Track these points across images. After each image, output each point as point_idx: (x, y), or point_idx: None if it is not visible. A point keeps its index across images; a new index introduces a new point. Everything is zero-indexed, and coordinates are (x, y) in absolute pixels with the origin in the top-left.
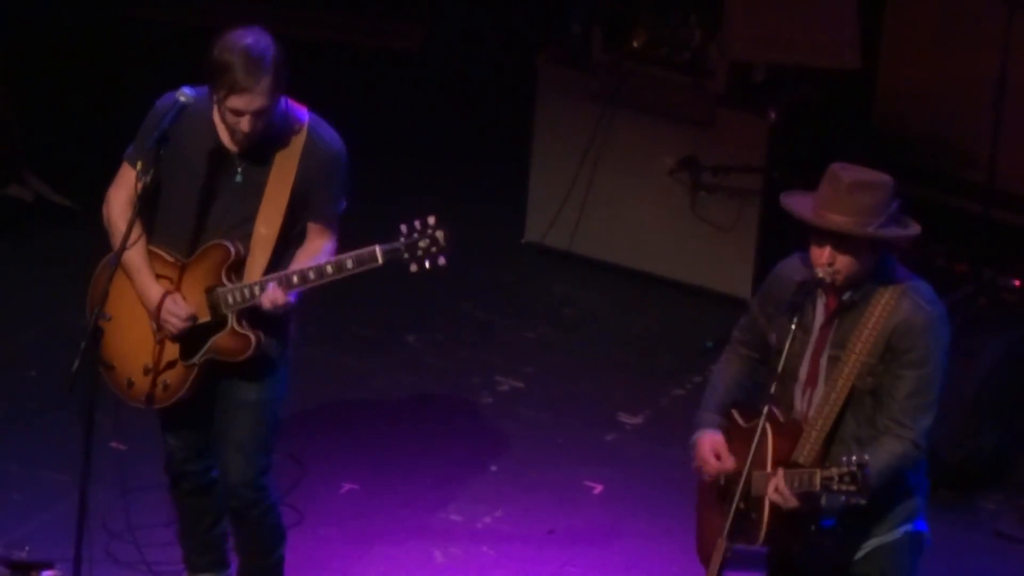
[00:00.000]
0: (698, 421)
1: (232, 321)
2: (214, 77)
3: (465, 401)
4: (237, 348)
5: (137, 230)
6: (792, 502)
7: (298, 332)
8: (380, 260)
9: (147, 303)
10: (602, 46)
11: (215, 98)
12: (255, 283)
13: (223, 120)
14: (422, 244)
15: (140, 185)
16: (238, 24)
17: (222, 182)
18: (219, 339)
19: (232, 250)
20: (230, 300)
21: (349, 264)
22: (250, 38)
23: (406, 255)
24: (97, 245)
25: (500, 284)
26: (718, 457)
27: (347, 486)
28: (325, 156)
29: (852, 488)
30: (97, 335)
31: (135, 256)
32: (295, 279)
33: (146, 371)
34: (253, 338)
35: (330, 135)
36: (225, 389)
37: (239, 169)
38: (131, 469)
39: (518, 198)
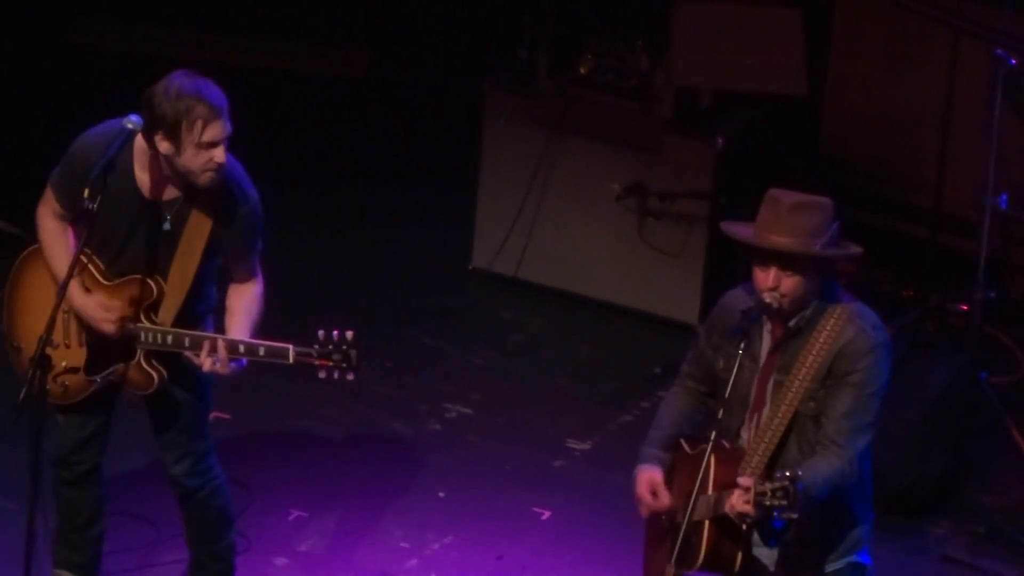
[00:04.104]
0: (639, 456)
1: (140, 356)
2: (177, 123)
3: (413, 428)
4: (140, 383)
5: (69, 235)
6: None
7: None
8: (291, 360)
9: (76, 300)
10: (548, 72)
11: (182, 144)
12: (171, 332)
13: (191, 166)
14: (335, 357)
15: (87, 212)
16: (187, 50)
17: (149, 229)
18: (125, 368)
19: (155, 290)
20: (143, 338)
21: (260, 351)
22: (187, 78)
23: (317, 362)
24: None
25: (447, 310)
26: (654, 494)
27: (295, 513)
28: (243, 209)
29: (784, 503)
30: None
31: (63, 256)
32: (206, 344)
33: (49, 367)
34: (156, 377)
35: (246, 183)
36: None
37: (168, 217)
38: None
39: (465, 224)
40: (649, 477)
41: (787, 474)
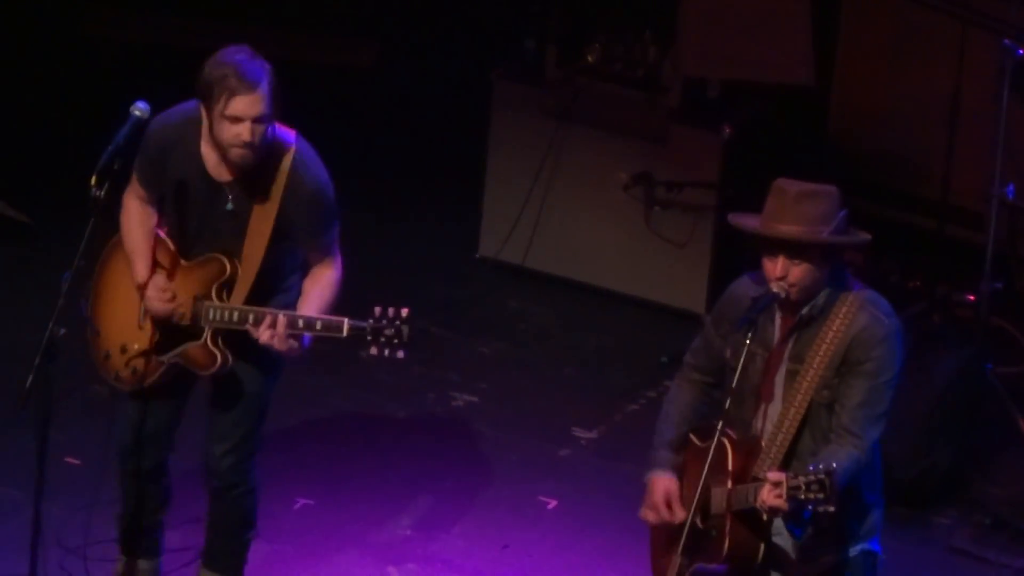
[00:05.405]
0: (653, 458)
1: (207, 335)
2: (211, 90)
3: (420, 417)
4: (204, 362)
5: (150, 213)
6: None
7: None
8: (344, 333)
9: (136, 279)
10: (556, 62)
11: (212, 114)
12: (237, 308)
13: (220, 138)
14: (387, 332)
15: (93, 201)
16: (196, 40)
17: (215, 209)
18: (191, 348)
19: (228, 269)
20: (211, 316)
21: (318, 325)
22: (241, 51)
23: (369, 337)
24: (53, 260)
25: (454, 300)
26: (668, 506)
27: (301, 501)
28: (308, 191)
29: (821, 496)
30: (51, 351)
31: (139, 236)
32: (267, 318)
33: (122, 350)
34: (220, 358)
35: (314, 165)
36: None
37: (229, 197)
38: (86, 485)
39: (472, 214)
40: (666, 488)
41: (821, 467)
